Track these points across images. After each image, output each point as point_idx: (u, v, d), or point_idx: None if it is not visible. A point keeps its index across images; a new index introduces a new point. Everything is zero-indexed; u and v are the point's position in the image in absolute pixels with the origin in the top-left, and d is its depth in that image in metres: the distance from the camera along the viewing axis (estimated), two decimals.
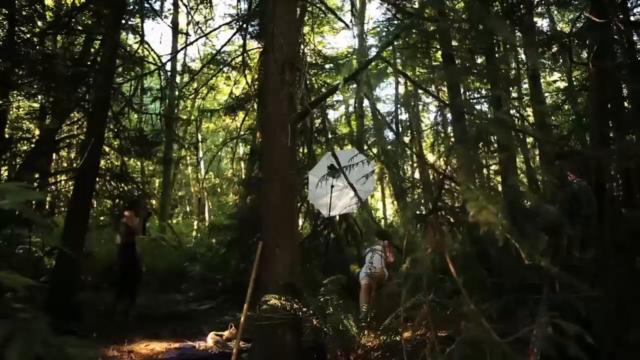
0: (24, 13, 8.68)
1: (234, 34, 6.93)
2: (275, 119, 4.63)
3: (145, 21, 13.17)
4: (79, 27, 9.45)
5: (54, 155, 14.96)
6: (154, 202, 16.89)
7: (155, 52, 7.24)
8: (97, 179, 8.16)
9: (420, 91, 14.95)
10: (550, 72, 9.66)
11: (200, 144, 18.18)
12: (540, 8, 12.30)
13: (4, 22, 8.46)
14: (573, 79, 12.00)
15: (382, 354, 4.38)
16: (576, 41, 6.20)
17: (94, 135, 6.63)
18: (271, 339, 4.38)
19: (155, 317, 7.11)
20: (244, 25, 6.67)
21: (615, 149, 3.22)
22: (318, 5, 6.82)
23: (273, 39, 4.64)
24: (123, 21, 7.94)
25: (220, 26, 8.64)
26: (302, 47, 10.24)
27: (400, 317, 4.51)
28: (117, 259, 7.10)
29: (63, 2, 11.83)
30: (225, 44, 7.20)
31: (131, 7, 7.68)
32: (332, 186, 6.08)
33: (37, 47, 8.15)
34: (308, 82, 9.55)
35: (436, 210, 2.16)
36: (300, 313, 4.20)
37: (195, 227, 16.50)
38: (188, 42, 10.81)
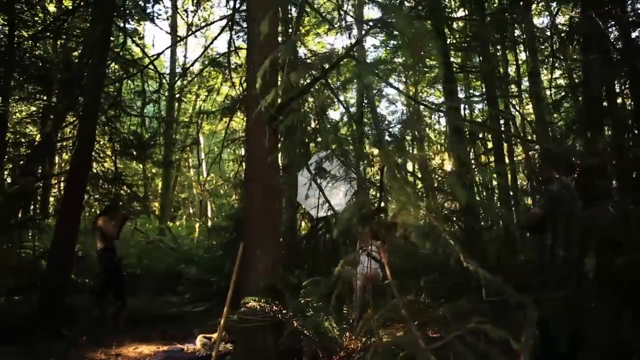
0: (24, 17, 8.77)
1: (220, 33, 6.95)
2: (255, 120, 4.60)
3: (142, 24, 13.35)
4: (76, 31, 9.54)
5: (57, 159, 15.12)
6: (156, 204, 17.01)
7: (145, 53, 7.24)
8: (92, 182, 8.23)
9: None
10: (550, 69, 9.54)
11: (201, 145, 18.26)
12: (540, 4, 12.19)
13: (4, 27, 8.57)
14: (574, 75, 11.86)
15: (365, 356, 4.33)
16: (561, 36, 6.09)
17: (84, 138, 6.65)
18: (252, 341, 4.35)
19: (148, 320, 7.11)
20: (230, 24, 6.66)
21: (577, 146, 3.16)
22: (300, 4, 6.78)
23: (252, 38, 4.62)
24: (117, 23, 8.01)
25: (205, 25, 8.66)
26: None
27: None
28: (99, 264, 7.10)
29: (64, 6, 11.94)
30: (212, 42, 7.22)
31: (122, 9, 7.69)
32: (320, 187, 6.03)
33: (31, 52, 8.24)
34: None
35: (379, 212, 2.11)
36: (280, 315, 4.17)
37: (197, 228, 16.55)
38: (176, 41, 10.80)
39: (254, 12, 4.80)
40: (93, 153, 8.02)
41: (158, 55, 7.89)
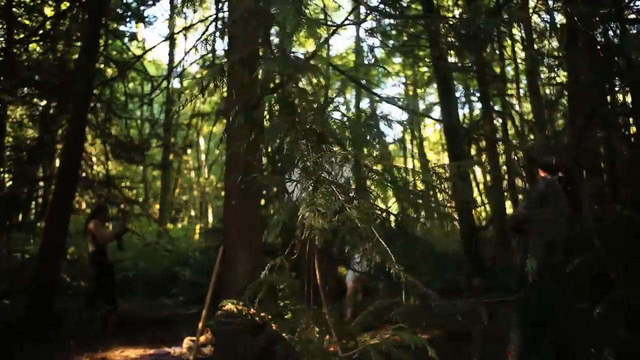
0: (21, 20, 8.82)
1: (204, 33, 6.90)
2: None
3: (138, 26, 13.39)
4: (75, 35, 9.56)
5: (59, 161, 15.17)
6: (157, 206, 17.03)
7: (134, 54, 7.23)
8: (84, 185, 8.24)
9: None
10: (536, 66, 9.43)
11: (201, 147, 18.26)
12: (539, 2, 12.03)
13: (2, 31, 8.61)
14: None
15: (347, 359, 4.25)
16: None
17: (72, 140, 6.65)
18: (231, 344, 4.30)
19: (139, 323, 7.07)
20: (215, 24, 6.64)
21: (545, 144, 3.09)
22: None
23: (232, 40, 4.58)
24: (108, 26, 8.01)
25: (190, 25, 8.67)
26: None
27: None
28: (91, 267, 7.09)
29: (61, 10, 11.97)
30: (197, 41, 7.15)
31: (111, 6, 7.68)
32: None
33: (24, 55, 8.26)
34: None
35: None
36: (259, 317, 4.10)
37: (197, 231, 16.56)
38: (162, 41, 10.79)
39: (234, 12, 4.76)
40: (85, 156, 8.03)
41: (141, 55, 7.84)
